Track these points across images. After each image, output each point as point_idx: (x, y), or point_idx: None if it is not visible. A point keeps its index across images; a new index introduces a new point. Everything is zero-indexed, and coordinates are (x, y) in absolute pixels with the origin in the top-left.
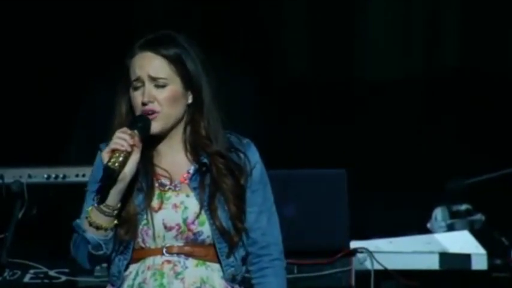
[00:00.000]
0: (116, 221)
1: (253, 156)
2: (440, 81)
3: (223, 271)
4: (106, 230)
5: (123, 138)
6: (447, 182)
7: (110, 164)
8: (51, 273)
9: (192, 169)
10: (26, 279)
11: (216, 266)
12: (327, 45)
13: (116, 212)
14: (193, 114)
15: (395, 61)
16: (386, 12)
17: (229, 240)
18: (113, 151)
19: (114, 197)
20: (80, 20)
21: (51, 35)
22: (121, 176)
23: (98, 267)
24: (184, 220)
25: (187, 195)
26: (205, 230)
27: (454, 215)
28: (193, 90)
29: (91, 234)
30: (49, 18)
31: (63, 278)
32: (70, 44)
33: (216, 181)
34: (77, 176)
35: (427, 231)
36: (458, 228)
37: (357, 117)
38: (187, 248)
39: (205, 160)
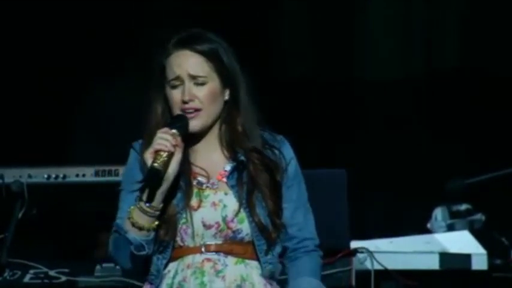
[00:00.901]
0: (157, 222)
1: (288, 152)
2: (440, 81)
3: (261, 268)
4: (148, 230)
5: (165, 139)
6: (447, 182)
7: (155, 165)
8: (51, 273)
9: (228, 166)
10: (26, 279)
11: (255, 263)
12: (327, 45)
13: (158, 212)
14: (230, 110)
15: (395, 61)
16: (386, 12)
17: (268, 237)
18: (156, 152)
19: (158, 197)
20: (80, 19)
21: (51, 34)
22: (165, 176)
23: (98, 267)
24: (224, 218)
25: (226, 193)
26: (245, 227)
27: (454, 215)
28: (230, 87)
29: (133, 234)
30: (49, 17)
31: (63, 278)
32: (70, 44)
33: (253, 178)
34: (77, 176)
35: (427, 231)
36: (458, 228)
37: (356, 117)
38: (225, 246)
39: (242, 157)
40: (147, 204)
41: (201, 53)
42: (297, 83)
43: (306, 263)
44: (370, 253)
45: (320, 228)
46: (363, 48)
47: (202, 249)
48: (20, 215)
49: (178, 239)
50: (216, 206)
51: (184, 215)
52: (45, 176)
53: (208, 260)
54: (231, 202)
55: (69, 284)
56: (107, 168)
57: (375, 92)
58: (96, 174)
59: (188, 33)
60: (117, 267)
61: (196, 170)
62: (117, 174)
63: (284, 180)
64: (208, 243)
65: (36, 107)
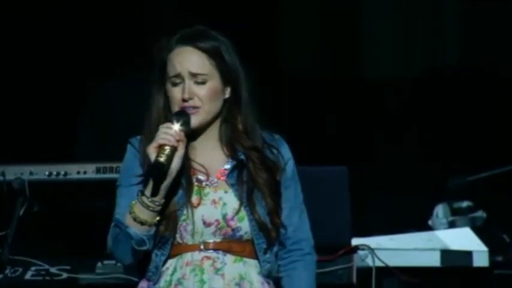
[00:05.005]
0: (158, 217)
1: (286, 152)
2: (441, 80)
3: (260, 267)
4: (150, 225)
5: (169, 134)
6: (448, 179)
7: (159, 159)
8: (53, 270)
9: (228, 165)
10: (28, 276)
11: (253, 262)
12: (329, 45)
13: (160, 207)
14: (230, 109)
15: (396, 60)
16: (387, 12)
17: (267, 236)
18: (160, 146)
19: (161, 192)
20: (85, 18)
21: (55, 32)
22: (169, 171)
23: (99, 264)
24: (224, 216)
25: (226, 192)
26: (244, 226)
27: (455, 212)
28: (231, 85)
29: (134, 229)
30: (53, 15)
31: (65, 275)
32: (74, 42)
33: (253, 177)
34: (78, 173)
35: (429, 228)
36: (460, 225)
37: (358, 115)
38: (224, 244)
39: (242, 157)
40: (150, 199)
41: (203, 50)
42: (299, 81)
43: (301, 276)
44: (372, 250)
45: (322, 225)
46: (365, 47)
47: (201, 247)
48: (21, 212)
49: (177, 236)
50: (216, 204)
51: (184, 212)
52: (47, 173)
53: (208, 257)
54: (231, 200)
55: (70, 281)
56: (108, 165)
57: (376, 91)
58: (98, 171)
59: (191, 30)
60: (118, 264)
61: (196, 167)
62: (118, 171)
63: (282, 179)
64: (207, 240)
65: (37, 104)
